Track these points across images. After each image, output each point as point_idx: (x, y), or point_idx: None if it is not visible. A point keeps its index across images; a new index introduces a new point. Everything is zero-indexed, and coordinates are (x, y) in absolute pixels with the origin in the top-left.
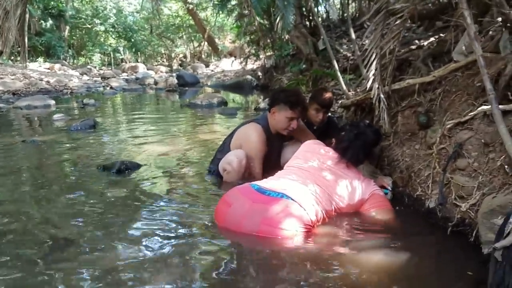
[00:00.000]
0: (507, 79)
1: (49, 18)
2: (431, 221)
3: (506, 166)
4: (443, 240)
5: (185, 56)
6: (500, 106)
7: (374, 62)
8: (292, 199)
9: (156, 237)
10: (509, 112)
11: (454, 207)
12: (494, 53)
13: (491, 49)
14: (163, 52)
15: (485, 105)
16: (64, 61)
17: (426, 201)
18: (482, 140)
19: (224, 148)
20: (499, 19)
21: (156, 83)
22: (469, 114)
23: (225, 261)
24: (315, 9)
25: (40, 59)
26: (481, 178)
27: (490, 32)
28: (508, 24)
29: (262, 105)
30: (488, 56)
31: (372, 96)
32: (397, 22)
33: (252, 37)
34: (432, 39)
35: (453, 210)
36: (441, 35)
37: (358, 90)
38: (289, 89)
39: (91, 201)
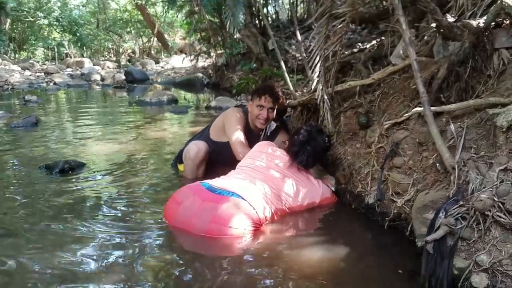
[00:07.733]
0: (439, 82)
1: None
2: (371, 216)
3: (437, 164)
4: (381, 235)
5: (133, 52)
6: (432, 108)
7: (319, 64)
8: (242, 197)
9: (100, 239)
10: (441, 113)
11: (391, 202)
12: (428, 57)
13: (426, 53)
14: (110, 47)
15: (419, 106)
16: (4, 56)
17: (366, 197)
18: (417, 140)
19: (204, 132)
20: (434, 25)
21: (103, 79)
22: (405, 115)
23: (173, 261)
24: (264, 10)
25: None
26: (415, 175)
27: (426, 37)
28: (442, 30)
29: (214, 103)
30: (423, 60)
31: (316, 97)
32: (339, 26)
33: (203, 34)
34: (373, 42)
35: (390, 205)
36: (382, 38)
37: (305, 90)
38: (264, 83)
39: (31, 202)
